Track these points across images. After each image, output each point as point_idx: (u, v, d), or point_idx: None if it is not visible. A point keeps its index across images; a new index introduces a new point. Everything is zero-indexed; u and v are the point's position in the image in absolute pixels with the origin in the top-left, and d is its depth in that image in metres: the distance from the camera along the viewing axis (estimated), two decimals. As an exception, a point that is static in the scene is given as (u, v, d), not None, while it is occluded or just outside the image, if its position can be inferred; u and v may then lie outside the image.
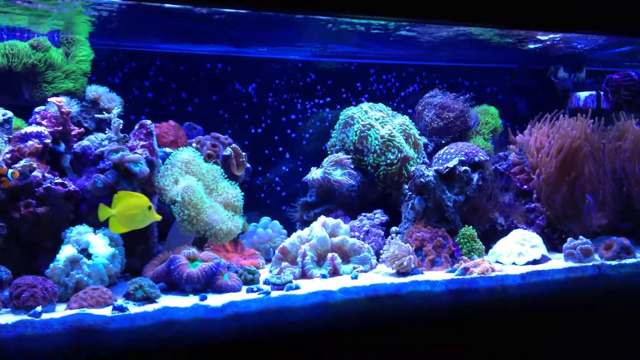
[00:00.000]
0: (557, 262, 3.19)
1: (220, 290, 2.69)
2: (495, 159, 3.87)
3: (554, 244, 3.47)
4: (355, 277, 2.89)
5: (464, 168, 3.33)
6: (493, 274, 2.88)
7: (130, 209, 2.72)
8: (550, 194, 3.52)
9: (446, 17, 3.01)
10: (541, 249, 3.22)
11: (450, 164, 3.30)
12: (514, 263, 3.15)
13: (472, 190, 3.38)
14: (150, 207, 2.74)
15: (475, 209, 3.43)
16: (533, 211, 3.58)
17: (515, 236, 3.28)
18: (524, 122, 4.02)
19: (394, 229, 3.38)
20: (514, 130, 3.97)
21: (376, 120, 3.66)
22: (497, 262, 3.18)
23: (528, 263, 3.13)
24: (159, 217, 2.81)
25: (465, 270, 2.89)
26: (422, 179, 3.24)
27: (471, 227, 3.28)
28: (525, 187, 3.67)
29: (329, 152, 3.81)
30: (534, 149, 3.69)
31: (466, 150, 3.55)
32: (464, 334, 2.78)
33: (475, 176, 3.40)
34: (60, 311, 2.40)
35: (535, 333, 2.88)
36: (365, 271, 3.05)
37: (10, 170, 2.62)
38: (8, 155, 2.86)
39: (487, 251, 3.31)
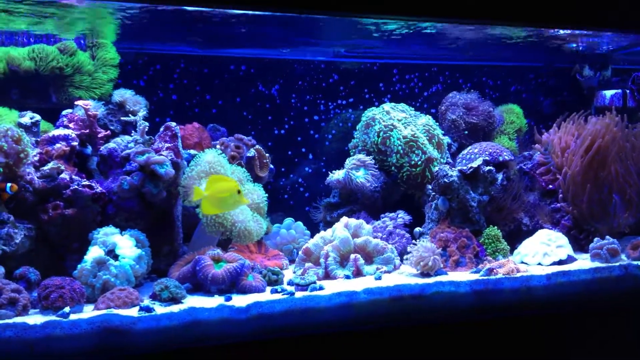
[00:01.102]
0: (584, 262, 3.16)
1: (245, 291, 2.70)
2: (520, 159, 3.84)
3: (580, 244, 3.44)
4: (379, 278, 2.89)
5: (488, 168, 3.31)
6: (518, 275, 2.86)
7: (221, 192, 2.78)
8: (576, 193, 3.48)
9: (467, 16, 3.00)
10: (567, 249, 3.19)
11: (474, 164, 3.28)
12: (539, 263, 3.12)
13: (497, 190, 3.36)
14: (239, 192, 2.80)
15: (499, 209, 3.41)
16: (559, 211, 3.55)
17: (541, 236, 3.26)
18: (549, 121, 3.99)
19: (417, 229, 3.37)
20: (539, 129, 3.94)
21: (399, 121, 3.65)
22: (522, 262, 3.16)
23: (554, 263, 3.11)
24: (247, 201, 2.89)
25: (490, 270, 2.88)
26: (445, 179, 3.23)
27: (496, 227, 3.26)
28: (550, 186, 3.64)
29: (351, 153, 3.81)
30: (559, 149, 3.66)
31: (490, 150, 3.53)
32: (489, 335, 2.77)
33: (500, 176, 3.39)
34: (88, 312, 2.43)
35: (561, 334, 2.85)
36: (388, 272, 3.04)
37: (8, 184, 2.66)
38: (36, 158, 2.91)
39: (512, 251, 3.28)
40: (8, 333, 2.17)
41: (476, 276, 2.87)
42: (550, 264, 3.10)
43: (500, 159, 3.50)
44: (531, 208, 3.53)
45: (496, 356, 2.77)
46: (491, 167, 3.33)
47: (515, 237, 3.39)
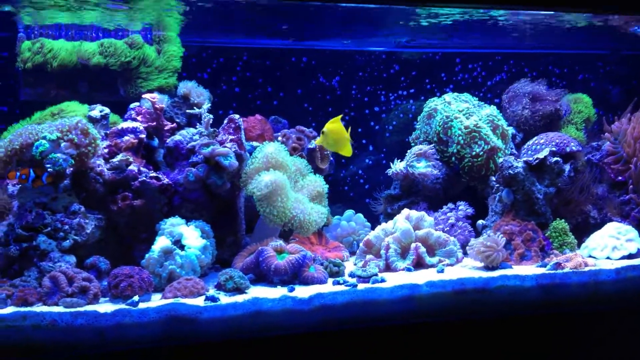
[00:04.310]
0: (655, 256, 3.06)
1: (307, 282, 2.72)
2: (588, 150, 3.73)
3: (650, 238, 3.32)
4: (442, 271, 2.86)
5: (555, 159, 3.23)
6: (586, 269, 2.79)
7: (339, 133, 3.09)
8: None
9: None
10: (637, 243, 3.09)
11: (541, 155, 3.21)
12: (608, 257, 3.04)
13: (564, 182, 3.28)
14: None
15: (566, 202, 3.33)
16: (628, 203, 3.43)
17: (610, 229, 3.16)
18: (618, 110, 3.85)
19: (480, 222, 3.32)
20: (607, 119, 3.81)
21: (460, 112, 3.58)
22: (590, 256, 3.08)
23: (623, 257, 3.01)
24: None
25: (558, 264, 2.81)
26: (510, 171, 3.17)
27: (563, 220, 3.18)
28: (620, 178, 3.52)
29: (412, 145, 3.77)
30: (632, 138, 3.53)
31: (557, 141, 3.44)
32: (555, 330, 2.71)
33: (567, 167, 3.30)
34: (156, 300, 2.49)
35: (630, 331, 2.77)
36: (451, 265, 3.01)
37: (45, 174, 2.72)
38: (105, 150, 2.99)
39: (579, 245, 3.20)
40: (80, 321, 2.25)
41: (542, 270, 2.81)
42: (620, 258, 3.01)
43: (568, 149, 3.41)
44: (600, 200, 3.43)
45: (563, 352, 2.71)
46: (558, 158, 3.25)
47: (582, 230, 3.30)
